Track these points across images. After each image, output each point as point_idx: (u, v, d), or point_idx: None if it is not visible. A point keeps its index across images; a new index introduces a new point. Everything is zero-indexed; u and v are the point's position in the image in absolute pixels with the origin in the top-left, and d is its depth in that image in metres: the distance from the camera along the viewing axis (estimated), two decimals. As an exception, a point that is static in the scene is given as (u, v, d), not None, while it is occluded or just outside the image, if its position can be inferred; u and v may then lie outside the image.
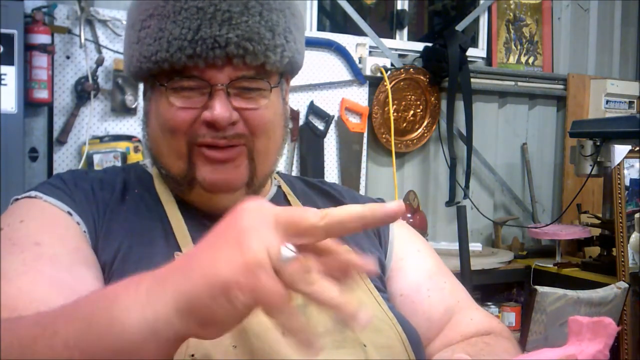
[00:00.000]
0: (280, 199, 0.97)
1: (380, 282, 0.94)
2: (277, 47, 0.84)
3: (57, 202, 0.83)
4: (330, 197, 1.02)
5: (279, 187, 0.99)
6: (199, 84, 0.82)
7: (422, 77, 3.07)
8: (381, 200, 1.06)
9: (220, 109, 0.80)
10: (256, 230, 0.51)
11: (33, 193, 0.85)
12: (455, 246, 2.60)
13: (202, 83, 0.82)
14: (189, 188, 0.86)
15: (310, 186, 1.03)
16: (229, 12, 0.80)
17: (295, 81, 1.09)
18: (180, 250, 0.82)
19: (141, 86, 0.93)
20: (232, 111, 0.82)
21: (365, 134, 2.94)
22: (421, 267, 0.99)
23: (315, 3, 2.94)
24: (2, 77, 2.12)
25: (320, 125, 2.85)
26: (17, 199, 0.86)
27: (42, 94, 2.23)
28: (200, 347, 0.72)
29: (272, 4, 0.84)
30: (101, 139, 2.41)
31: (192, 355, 0.71)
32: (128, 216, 0.85)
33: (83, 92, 2.35)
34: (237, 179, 0.85)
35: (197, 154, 0.84)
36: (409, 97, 3.07)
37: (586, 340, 0.65)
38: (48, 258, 0.76)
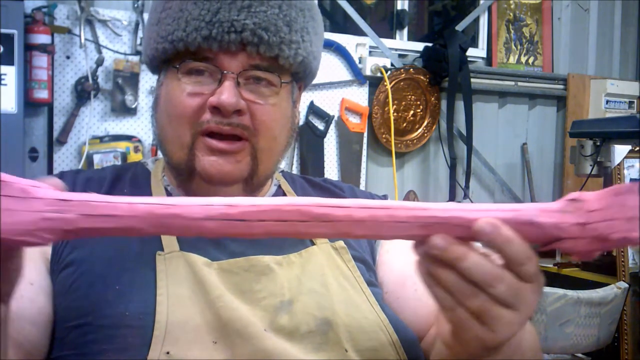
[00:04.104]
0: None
1: (374, 275, 0.92)
2: (292, 43, 0.84)
3: None
4: (331, 193, 1.01)
5: (279, 186, 0.98)
6: (211, 69, 0.82)
7: (422, 77, 3.07)
8: (384, 197, 1.04)
9: (227, 94, 0.80)
10: None
11: None
12: (455, 246, 2.60)
13: (214, 68, 0.82)
14: (188, 178, 0.86)
15: (312, 184, 1.02)
16: (249, 0, 0.82)
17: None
18: (162, 250, 0.80)
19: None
20: (239, 99, 0.81)
21: (365, 134, 2.94)
22: (408, 258, 0.94)
23: (315, 3, 2.94)
24: (2, 77, 2.12)
25: (320, 125, 2.85)
26: None
27: (42, 94, 2.23)
28: (176, 344, 0.71)
29: (292, 1, 0.85)
30: (101, 139, 2.41)
31: (168, 353, 0.70)
32: None
33: (83, 92, 2.35)
34: (236, 172, 0.84)
35: (200, 144, 0.83)
36: (409, 97, 3.07)
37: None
38: None
